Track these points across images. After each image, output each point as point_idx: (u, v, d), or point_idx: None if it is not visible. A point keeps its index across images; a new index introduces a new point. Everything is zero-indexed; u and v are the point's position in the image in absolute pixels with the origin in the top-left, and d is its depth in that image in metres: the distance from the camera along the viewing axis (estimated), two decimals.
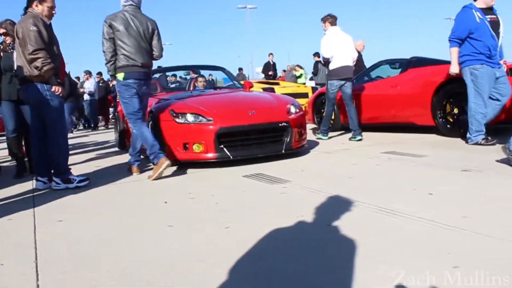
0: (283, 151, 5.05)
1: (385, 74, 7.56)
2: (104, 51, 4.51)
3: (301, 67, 17.38)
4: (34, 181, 4.44)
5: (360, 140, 6.33)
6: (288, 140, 5.09)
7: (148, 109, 5.29)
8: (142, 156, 5.08)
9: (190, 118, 4.91)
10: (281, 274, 2.01)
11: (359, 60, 9.13)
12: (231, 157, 4.79)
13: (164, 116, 5.02)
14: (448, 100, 5.92)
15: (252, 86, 6.95)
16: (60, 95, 4.20)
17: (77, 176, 4.36)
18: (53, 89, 4.13)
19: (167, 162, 4.39)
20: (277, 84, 12.06)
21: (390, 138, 6.32)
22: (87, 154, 7.04)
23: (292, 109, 5.36)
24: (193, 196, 3.61)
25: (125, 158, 6.22)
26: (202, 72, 8.18)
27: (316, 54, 14.75)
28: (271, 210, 3.07)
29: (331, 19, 6.66)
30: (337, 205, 3.01)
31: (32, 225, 3.07)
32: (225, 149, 4.80)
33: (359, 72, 7.89)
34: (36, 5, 4.14)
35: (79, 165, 5.85)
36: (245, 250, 2.31)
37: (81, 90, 13.07)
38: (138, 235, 2.72)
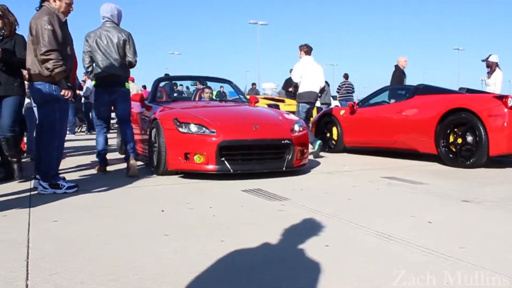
0: (284, 168, 5.03)
1: (391, 99, 7.58)
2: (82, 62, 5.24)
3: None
4: (33, 180, 4.41)
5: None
6: (289, 157, 5.07)
7: (152, 116, 5.39)
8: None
9: (193, 128, 4.88)
10: None
11: (399, 76, 9.38)
12: (231, 170, 4.76)
13: (168, 124, 5.00)
14: (452, 130, 5.91)
15: (257, 102, 6.98)
16: (69, 99, 4.16)
17: (66, 182, 4.28)
18: (62, 92, 4.06)
19: (102, 172, 5.32)
20: (282, 101, 12.08)
21: (391, 163, 6.31)
22: (88, 157, 7.02)
23: (296, 127, 5.35)
24: (191, 207, 3.59)
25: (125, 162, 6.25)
26: (210, 83, 8.21)
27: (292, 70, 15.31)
28: (268, 226, 3.04)
29: (306, 49, 7.56)
30: (334, 226, 2.99)
31: (27, 223, 3.06)
32: (226, 162, 4.76)
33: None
34: (54, 0, 4.09)
35: (79, 167, 5.84)
36: (238, 265, 2.29)
37: (77, 91, 12.97)
38: (132, 241, 2.70)
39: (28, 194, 4.09)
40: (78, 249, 2.54)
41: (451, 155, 5.93)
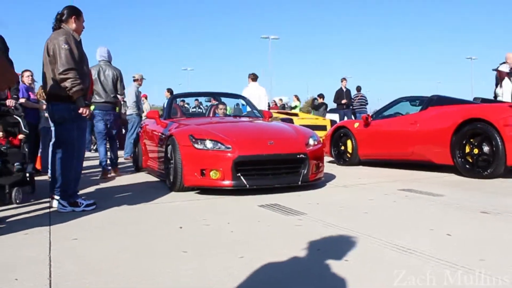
0: (300, 182, 5.03)
1: (405, 111, 7.56)
2: None
3: (298, 98, 17.38)
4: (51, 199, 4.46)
5: None
6: (305, 172, 5.08)
7: (168, 132, 5.54)
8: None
9: (209, 144, 4.93)
10: None
11: None
12: (247, 185, 4.78)
13: (183, 141, 5.05)
14: (467, 140, 5.87)
15: (271, 116, 7.01)
16: (87, 117, 4.22)
17: (84, 200, 4.32)
18: (80, 111, 4.10)
19: (111, 175, 6.36)
20: (296, 115, 12.12)
21: (407, 175, 6.27)
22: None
23: (311, 141, 5.37)
24: (208, 223, 3.60)
25: (141, 178, 6.31)
26: (224, 99, 8.25)
27: (321, 96, 16.32)
28: (286, 241, 3.05)
29: (253, 76, 9.88)
30: (351, 240, 2.98)
31: (47, 242, 3.10)
32: (242, 177, 4.79)
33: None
34: (74, 21, 4.20)
35: (97, 185, 5.90)
36: (258, 280, 2.30)
37: None
38: (151, 258, 2.71)
39: (47, 211, 4.14)
40: (98, 267, 2.57)
41: (467, 166, 5.88)
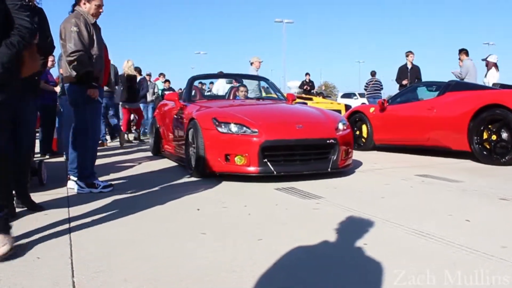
0: (329, 169, 4.80)
1: (422, 96, 7.48)
2: None
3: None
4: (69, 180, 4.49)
5: None
6: (335, 158, 4.85)
7: (189, 116, 5.30)
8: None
9: (233, 128, 4.70)
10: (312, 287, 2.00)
11: None
12: (275, 172, 4.56)
13: (206, 124, 4.84)
14: (485, 126, 5.80)
15: (295, 99, 6.76)
16: (95, 98, 4.23)
17: (102, 181, 4.37)
18: (88, 92, 4.13)
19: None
20: (311, 99, 12.04)
21: (424, 161, 6.23)
22: (120, 157, 7.15)
23: (340, 126, 5.12)
24: (226, 206, 3.62)
25: (160, 164, 6.32)
26: (245, 81, 7.96)
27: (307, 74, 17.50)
28: (304, 225, 3.05)
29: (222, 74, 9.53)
30: (370, 225, 2.97)
31: (67, 223, 3.13)
32: (269, 163, 4.57)
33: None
34: (84, 3, 4.18)
35: (113, 169, 5.95)
36: (278, 263, 2.30)
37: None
38: (170, 240, 2.73)
39: (65, 194, 4.18)
40: (118, 248, 2.59)
41: (485, 152, 5.82)
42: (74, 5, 4.26)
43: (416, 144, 6.95)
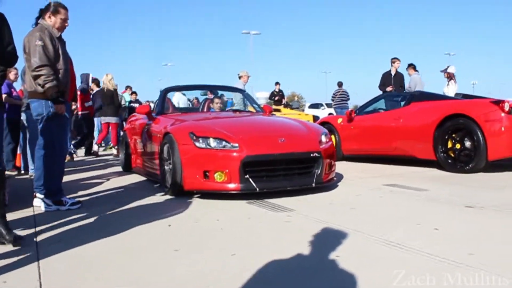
0: (314, 184, 4.60)
1: (388, 106, 7.64)
2: None
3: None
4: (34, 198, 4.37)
5: None
6: (319, 172, 4.65)
7: (163, 130, 5.05)
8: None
9: (212, 143, 4.44)
10: None
11: None
12: (257, 189, 4.31)
13: (183, 139, 4.56)
14: (450, 136, 5.97)
15: (272, 111, 6.52)
16: (62, 113, 4.14)
17: (70, 198, 4.28)
18: (55, 108, 4.06)
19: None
20: (278, 111, 12.13)
21: (391, 170, 6.34)
22: (89, 173, 7.01)
23: (323, 138, 4.93)
24: (198, 221, 3.59)
25: (130, 180, 6.21)
26: (232, 94, 7.73)
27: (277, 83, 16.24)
28: (277, 238, 3.06)
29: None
30: (342, 236, 3.00)
31: (34, 243, 3.05)
32: (250, 179, 4.32)
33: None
34: (49, 17, 4.11)
35: (82, 185, 5.83)
36: (252, 278, 2.30)
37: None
38: (142, 258, 2.69)
39: (31, 213, 4.07)
40: (88, 268, 2.54)
41: (450, 161, 5.98)
42: (37, 18, 4.19)
43: (384, 154, 7.08)
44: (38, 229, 3.44)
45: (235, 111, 6.56)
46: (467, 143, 5.81)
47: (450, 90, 9.30)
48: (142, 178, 6.18)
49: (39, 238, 3.18)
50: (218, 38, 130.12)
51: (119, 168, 7.40)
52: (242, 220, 3.60)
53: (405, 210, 3.82)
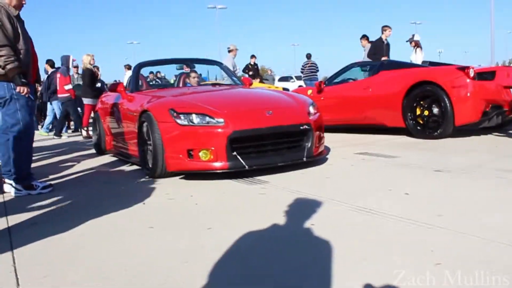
0: (305, 158, 4.36)
1: (357, 76, 7.69)
2: None
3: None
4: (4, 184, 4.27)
5: None
6: (309, 145, 4.41)
7: (140, 108, 4.70)
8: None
9: (195, 119, 4.14)
10: (267, 273, 2.04)
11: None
12: (246, 166, 4.07)
13: (163, 116, 4.25)
14: (418, 103, 6.07)
15: (251, 84, 6.25)
16: (26, 95, 4.01)
17: (40, 182, 4.20)
18: (17, 90, 3.92)
19: None
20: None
21: (362, 139, 6.43)
22: (60, 157, 6.87)
23: (311, 110, 4.68)
24: (172, 197, 3.59)
25: (102, 161, 6.11)
26: (196, 66, 7.02)
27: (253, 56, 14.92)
28: (252, 211, 3.09)
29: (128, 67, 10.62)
30: (316, 205, 3.05)
31: (6, 229, 2.99)
32: (238, 156, 4.08)
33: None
34: None
35: (53, 169, 5.72)
36: (229, 251, 2.32)
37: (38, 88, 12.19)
38: (117, 237, 2.68)
39: (1, 199, 3.98)
40: (64, 250, 2.51)
41: (418, 127, 6.10)
42: None
43: (354, 123, 7.16)
44: (9, 216, 3.37)
45: (214, 84, 6.23)
46: (435, 110, 5.92)
47: (418, 58, 9.45)
48: (114, 159, 6.08)
49: (11, 223, 3.12)
50: (184, 15, 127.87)
51: (91, 151, 7.10)
52: (217, 195, 3.61)
53: (377, 177, 3.90)
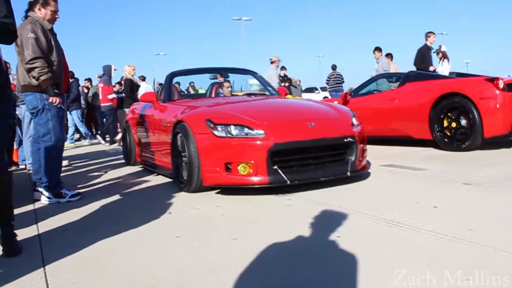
0: (349, 173, 4.12)
1: (383, 87, 7.64)
2: None
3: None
4: (34, 192, 4.37)
5: None
6: (353, 159, 4.18)
7: (174, 119, 4.54)
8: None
9: (234, 130, 3.94)
10: (292, 284, 2.03)
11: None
12: (288, 181, 3.83)
13: (199, 127, 4.06)
14: (445, 115, 5.99)
15: (287, 94, 6.07)
16: (58, 106, 4.13)
17: (69, 190, 4.28)
18: (50, 100, 4.04)
19: None
20: None
21: (388, 151, 6.37)
22: (88, 167, 7.00)
23: (354, 121, 4.46)
24: (197, 208, 3.61)
25: (129, 170, 6.19)
26: (230, 76, 6.77)
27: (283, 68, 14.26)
28: (278, 222, 3.08)
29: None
30: (342, 217, 3.03)
31: (37, 236, 3.06)
32: (279, 170, 3.86)
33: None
34: (39, 9, 4.08)
35: (80, 179, 5.83)
36: (255, 261, 2.32)
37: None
38: (144, 246, 2.71)
39: (32, 205, 4.07)
40: (93, 258, 2.55)
41: (446, 140, 6.01)
42: (27, 11, 4.15)
43: (380, 135, 7.09)
44: (40, 223, 3.44)
45: (249, 94, 6.02)
46: (463, 122, 5.83)
47: (444, 69, 9.33)
48: (140, 168, 6.16)
49: (41, 230, 3.19)
50: (210, 26, 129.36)
51: (119, 160, 7.12)
52: (242, 205, 3.62)
53: (404, 190, 3.85)
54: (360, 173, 4.33)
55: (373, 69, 10.66)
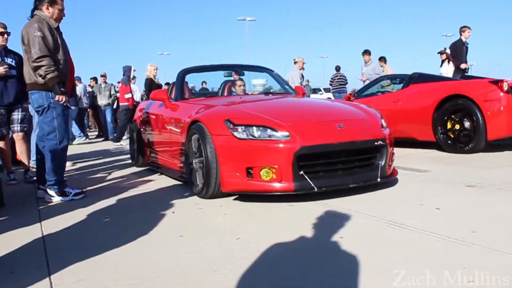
0: (379, 179, 3.83)
1: (387, 89, 7.64)
2: None
3: None
4: (37, 190, 4.40)
5: None
6: (383, 163, 3.89)
7: (188, 119, 4.29)
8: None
9: (256, 132, 3.63)
10: (295, 283, 2.03)
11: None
12: (315, 188, 3.52)
13: (217, 128, 3.77)
14: (449, 116, 5.98)
15: (305, 93, 5.77)
16: (64, 104, 4.15)
17: (72, 188, 4.30)
18: (56, 98, 4.07)
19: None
20: None
21: None
22: (93, 168, 7.02)
23: (383, 123, 4.18)
24: (201, 207, 3.62)
25: (133, 170, 6.22)
26: (246, 73, 6.42)
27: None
28: (280, 222, 3.09)
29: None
30: (345, 218, 3.03)
31: (40, 233, 3.07)
32: (306, 176, 3.56)
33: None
34: (47, 8, 4.10)
35: (84, 178, 5.84)
36: (258, 260, 2.33)
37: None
38: (149, 243, 2.72)
39: (35, 203, 4.09)
40: (97, 255, 2.56)
41: (449, 142, 6.01)
42: (33, 10, 4.17)
43: None
44: (43, 221, 3.46)
45: (266, 93, 5.72)
46: (467, 124, 5.83)
47: (449, 71, 9.32)
48: (145, 168, 6.15)
49: (45, 228, 3.21)
50: (213, 26, 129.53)
51: (126, 160, 7.08)
52: (245, 206, 3.62)
53: (407, 191, 3.85)
54: (390, 179, 4.05)
55: (361, 73, 10.69)
